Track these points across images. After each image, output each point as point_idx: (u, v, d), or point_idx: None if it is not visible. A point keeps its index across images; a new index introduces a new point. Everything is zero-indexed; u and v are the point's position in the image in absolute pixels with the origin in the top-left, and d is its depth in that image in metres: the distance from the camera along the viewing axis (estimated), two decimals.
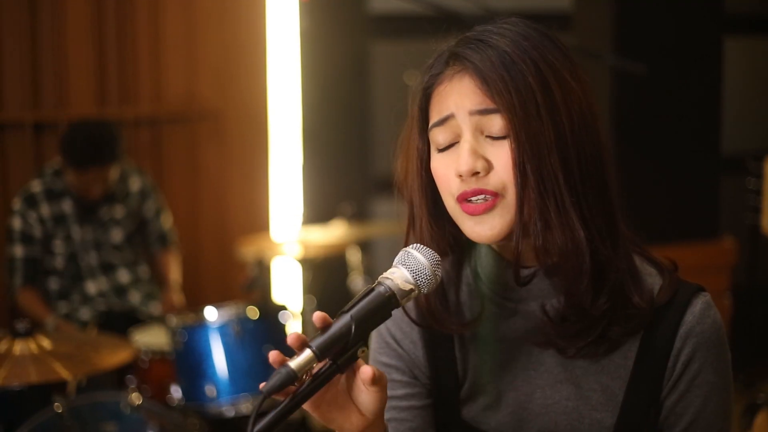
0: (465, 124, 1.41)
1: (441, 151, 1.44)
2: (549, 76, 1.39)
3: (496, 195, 1.40)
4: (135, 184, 4.43)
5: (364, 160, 5.42)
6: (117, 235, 4.37)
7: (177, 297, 4.44)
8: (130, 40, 5.01)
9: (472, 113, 1.40)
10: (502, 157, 1.39)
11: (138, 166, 4.61)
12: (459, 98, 1.41)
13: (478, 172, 1.39)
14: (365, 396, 1.35)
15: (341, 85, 5.41)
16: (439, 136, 1.44)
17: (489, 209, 1.40)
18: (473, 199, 1.41)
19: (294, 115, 5.41)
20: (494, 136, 1.39)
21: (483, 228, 1.42)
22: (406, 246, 1.45)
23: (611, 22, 3.99)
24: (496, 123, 1.39)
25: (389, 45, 5.27)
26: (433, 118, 1.45)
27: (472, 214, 1.41)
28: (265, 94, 5.34)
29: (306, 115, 5.41)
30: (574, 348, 1.47)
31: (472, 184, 1.40)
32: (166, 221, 4.57)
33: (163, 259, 4.59)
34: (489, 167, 1.39)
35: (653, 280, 1.50)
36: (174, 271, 4.57)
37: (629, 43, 3.96)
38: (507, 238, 1.42)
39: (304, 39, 5.35)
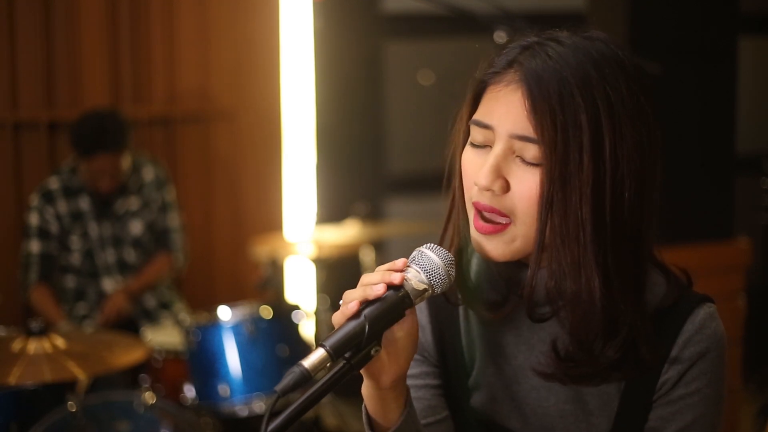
0: (501, 140, 1.38)
1: (474, 146, 1.43)
2: (605, 118, 1.34)
3: (509, 219, 1.39)
4: (149, 174, 4.41)
5: (377, 160, 5.42)
6: (136, 227, 4.36)
7: (122, 298, 4.22)
8: (144, 40, 5.02)
9: (511, 135, 1.37)
10: (525, 183, 1.37)
11: (152, 157, 4.60)
12: (504, 113, 1.38)
13: (492, 190, 1.38)
14: (400, 334, 1.38)
15: (355, 85, 5.40)
16: (475, 133, 1.43)
17: (497, 232, 1.40)
18: (485, 214, 1.41)
19: (307, 114, 5.41)
20: (526, 161, 1.37)
21: (487, 248, 1.42)
22: (445, 230, 1.49)
23: (625, 21, 3.97)
24: (533, 150, 1.36)
25: (402, 44, 5.26)
26: (478, 114, 1.43)
27: (479, 231, 1.42)
28: (278, 93, 5.34)
29: (319, 114, 5.41)
30: (573, 382, 1.46)
31: (487, 200, 1.40)
32: (172, 220, 4.47)
33: (156, 261, 4.41)
34: (506, 188, 1.38)
35: (658, 289, 1.48)
36: (149, 275, 4.35)
37: (643, 43, 3.94)
38: (511, 260, 1.43)
39: (318, 38, 5.35)
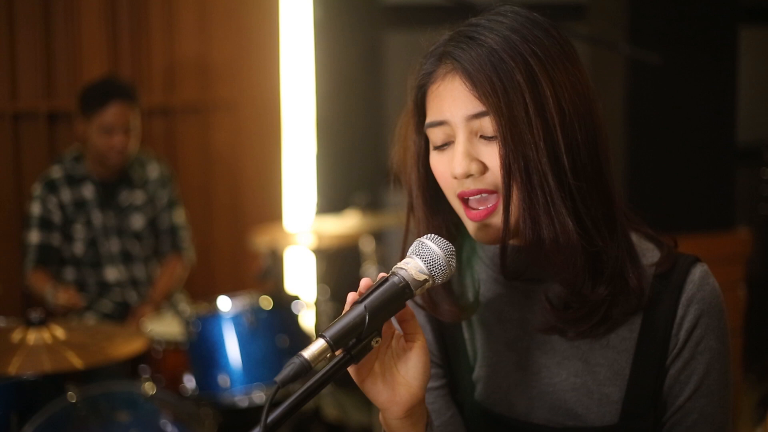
0: (459, 129, 1.43)
1: (438, 149, 1.47)
2: (539, 71, 1.40)
3: (497, 196, 1.42)
4: (153, 171, 4.41)
5: (377, 150, 5.41)
6: (137, 221, 4.36)
7: (149, 309, 4.26)
8: (143, 30, 5.02)
9: (466, 118, 1.42)
10: (495, 158, 1.41)
11: (156, 155, 4.60)
12: (452, 103, 1.43)
13: (472, 175, 1.41)
14: (409, 362, 1.38)
15: (355, 76, 5.40)
16: (434, 136, 1.47)
17: (491, 213, 1.43)
18: (473, 200, 1.44)
19: (307, 105, 5.41)
20: (487, 136, 1.41)
21: (486, 233, 1.45)
22: (406, 233, 1.52)
23: (626, 11, 3.96)
24: (488, 124, 1.40)
25: (403, 35, 5.25)
26: (429, 117, 1.47)
27: (473, 219, 1.45)
28: (278, 84, 5.33)
29: (319, 105, 5.40)
30: (576, 331, 1.49)
31: (470, 185, 1.43)
32: (178, 216, 4.49)
33: (168, 264, 4.46)
34: (483, 169, 1.42)
35: (652, 254, 1.52)
36: (167, 282, 4.40)
37: (644, 33, 3.94)
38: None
39: (318, 29, 5.34)
